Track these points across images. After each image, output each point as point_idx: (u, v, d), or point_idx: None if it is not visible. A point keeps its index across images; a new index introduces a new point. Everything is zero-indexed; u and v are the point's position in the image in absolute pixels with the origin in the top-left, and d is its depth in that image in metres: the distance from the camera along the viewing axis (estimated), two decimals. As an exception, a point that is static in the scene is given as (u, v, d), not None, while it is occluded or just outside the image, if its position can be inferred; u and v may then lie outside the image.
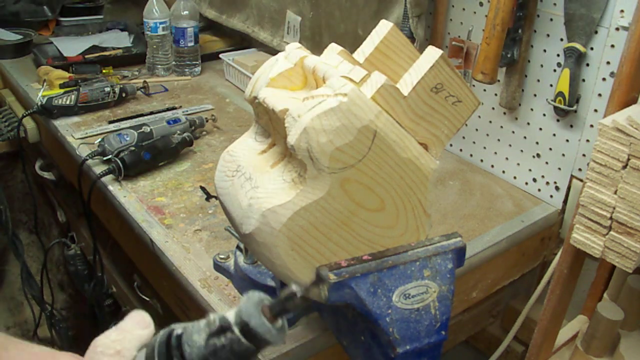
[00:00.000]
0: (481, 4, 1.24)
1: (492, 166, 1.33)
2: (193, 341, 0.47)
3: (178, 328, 0.48)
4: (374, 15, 1.35)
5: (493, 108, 1.29)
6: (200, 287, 0.94)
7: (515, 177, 1.29)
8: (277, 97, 0.70)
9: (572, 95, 1.11)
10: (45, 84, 1.54)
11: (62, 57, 1.71)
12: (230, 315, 0.47)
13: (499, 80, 1.21)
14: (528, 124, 1.23)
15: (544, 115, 1.20)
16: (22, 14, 1.89)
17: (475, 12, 1.26)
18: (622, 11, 1.01)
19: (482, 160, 1.35)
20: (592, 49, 1.08)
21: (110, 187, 1.18)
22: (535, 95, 1.20)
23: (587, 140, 1.13)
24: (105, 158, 1.23)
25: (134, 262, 1.26)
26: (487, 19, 1.11)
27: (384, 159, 0.67)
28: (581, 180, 1.15)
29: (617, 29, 1.03)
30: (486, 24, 1.11)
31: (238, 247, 0.92)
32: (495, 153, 1.32)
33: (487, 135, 1.32)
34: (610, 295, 1.10)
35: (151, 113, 1.47)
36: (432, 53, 0.69)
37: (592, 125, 1.12)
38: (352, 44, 1.00)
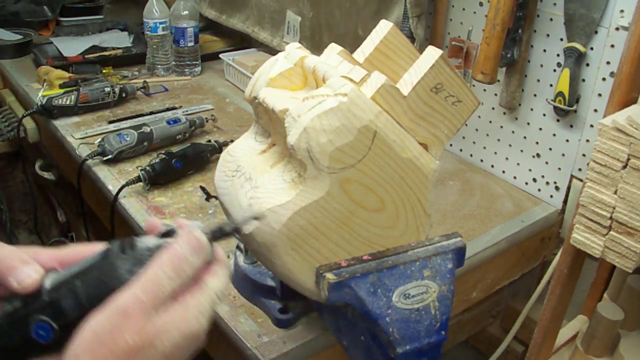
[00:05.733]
0: (481, 4, 1.24)
1: (492, 166, 1.33)
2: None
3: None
4: (374, 15, 1.35)
5: (493, 108, 1.29)
6: (200, 287, 0.94)
7: (515, 177, 1.29)
8: (277, 97, 0.70)
9: (572, 95, 1.11)
10: (45, 84, 1.54)
11: (62, 57, 1.71)
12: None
13: (498, 80, 1.20)
14: (528, 124, 1.23)
15: (544, 115, 1.20)
16: (22, 14, 1.89)
17: (475, 12, 1.26)
18: (622, 11, 1.01)
19: (482, 160, 1.35)
20: (592, 49, 1.08)
21: (111, 187, 1.18)
22: (535, 95, 1.20)
23: (587, 140, 1.13)
24: (105, 158, 1.23)
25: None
26: (487, 19, 1.11)
27: (384, 159, 0.67)
28: (581, 180, 1.15)
29: (617, 29, 1.03)
30: (486, 24, 1.11)
31: (238, 247, 0.92)
32: (495, 153, 1.32)
33: (487, 135, 1.32)
34: (610, 295, 1.10)
35: (151, 113, 1.47)
36: (432, 53, 0.69)
37: (592, 125, 1.12)
38: (352, 44, 1.00)
